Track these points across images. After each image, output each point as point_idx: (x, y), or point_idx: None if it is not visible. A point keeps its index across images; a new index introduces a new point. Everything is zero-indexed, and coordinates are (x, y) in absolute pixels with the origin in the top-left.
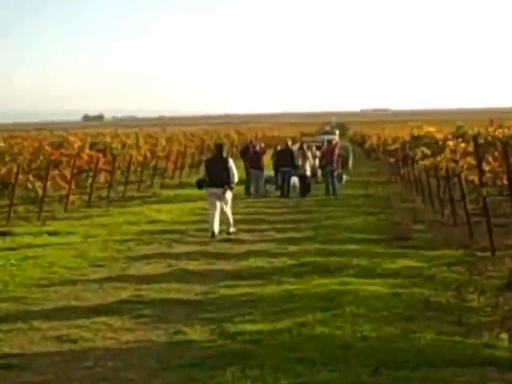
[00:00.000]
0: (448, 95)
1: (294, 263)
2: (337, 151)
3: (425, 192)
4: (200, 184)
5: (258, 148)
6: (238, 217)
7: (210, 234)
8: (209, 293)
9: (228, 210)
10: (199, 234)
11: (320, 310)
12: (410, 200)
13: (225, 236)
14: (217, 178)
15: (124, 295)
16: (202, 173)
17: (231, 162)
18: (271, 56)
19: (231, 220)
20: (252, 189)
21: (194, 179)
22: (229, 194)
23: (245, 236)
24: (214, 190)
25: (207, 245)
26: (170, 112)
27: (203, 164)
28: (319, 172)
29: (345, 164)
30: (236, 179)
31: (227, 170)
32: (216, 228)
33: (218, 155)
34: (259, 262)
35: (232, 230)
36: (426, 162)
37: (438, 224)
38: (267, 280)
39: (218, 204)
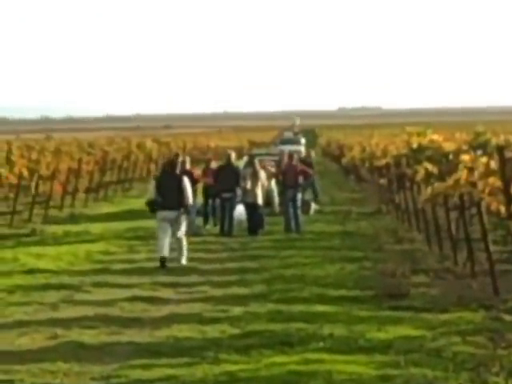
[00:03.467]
0: (458, 90)
1: (236, 333)
2: (302, 168)
3: (429, 228)
4: (152, 206)
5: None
6: (155, 264)
7: (158, 264)
8: (111, 377)
9: (182, 237)
10: (99, 290)
11: None
12: (407, 239)
13: (158, 279)
14: (170, 198)
15: None
16: (151, 192)
17: (186, 180)
18: (208, 41)
19: (185, 248)
20: None
21: (92, 209)
22: (184, 218)
23: (165, 292)
24: (166, 213)
25: (110, 306)
26: (58, 111)
27: (153, 182)
28: (276, 199)
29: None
30: (191, 200)
31: (181, 190)
32: (166, 252)
33: (170, 171)
34: (187, 332)
35: (184, 262)
36: (435, 186)
37: (449, 274)
38: (198, 358)
39: (170, 230)
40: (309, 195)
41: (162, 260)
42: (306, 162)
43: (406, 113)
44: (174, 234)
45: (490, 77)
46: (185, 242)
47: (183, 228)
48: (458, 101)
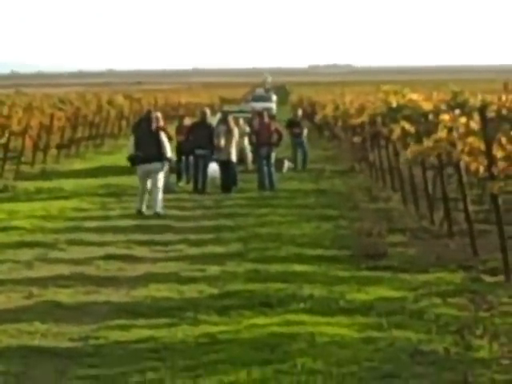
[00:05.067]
0: (434, 47)
1: (215, 293)
2: (275, 126)
3: (405, 186)
4: (133, 161)
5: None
6: (129, 222)
7: (132, 221)
8: (90, 338)
9: (159, 188)
10: (74, 248)
11: (257, 364)
12: (383, 198)
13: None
14: (149, 152)
15: None
16: (131, 146)
17: (163, 135)
18: None
19: (160, 199)
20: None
21: (64, 166)
22: (162, 170)
23: (141, 251)
24: (146, 166)
25: (86, 264)
26: (26, 67)
27: (132, 137)
28: (250, 156)
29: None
30: (169, 153)
31: (159, 143)
32: (144, 206)
33: (147, 127)
34: (164, 292)
35: (160, 210)
36: (415, 147)
37: (426, 234)
38: (177, 318)
39: (149, 182)
40: (300, 156)
41: (138, 212)
42: (294, 121)
43: (376, 71)
44: (151, 185)
45: (461, 35)
46: (161, 192)
47: (160, 178)
48: (428, 59)
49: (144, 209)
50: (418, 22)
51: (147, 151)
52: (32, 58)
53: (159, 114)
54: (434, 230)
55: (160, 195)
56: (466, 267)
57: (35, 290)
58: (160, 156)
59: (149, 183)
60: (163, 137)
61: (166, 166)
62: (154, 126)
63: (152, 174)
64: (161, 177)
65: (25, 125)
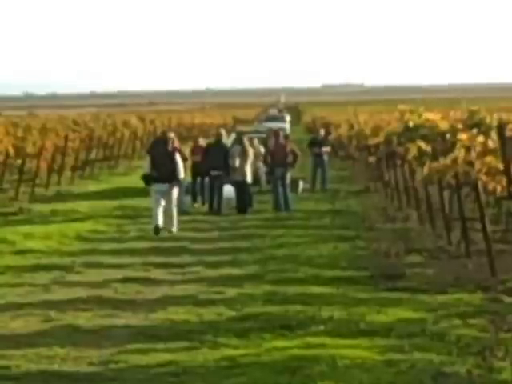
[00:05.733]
0: (445, 66)
1: (234, 315)
2: (290, 147)
3: (421, 206)
4: (148, 180)
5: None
6: (145, 244)
7: (152, 230)
8: (110, 362)
9: (174, 208)
10: (91, 270)
11: None
12: (399, 218)
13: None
14: (164, 172)
15: None
16: (147, 167)
17: (177, 156)
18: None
19: (175, 218)
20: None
21: (78, 187)
22: (175, 190)
23: (158, 273)
24: (160, 185)
25: (103, 287)
26: (39, 87)
27: (148, 157)
28: (263, 177)
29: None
30: (182, 174)
31: (174, 164)
32: (160, 221)
33: (163, 147)
34: (183, 314)
35: (175, 230)
36: (432, 166)
37: (444, 254)
38: (197, 342)
39: (163, 202)
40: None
41: (156, 228)
42: (316, 141)
43: (388, 90)
44: (166, 204)
45: (471, 55)
46: (175, 212)
47: (175, 198)
48: (440, 78)
49: (160, 222)
50: (429, 40)
51: (163, 171)
52: (44, 78)
53: (173, 135)
54: (451, 250)
55: (175, 214)
56: (485, 287)
57: (53, 314)
58: (174, 176)
59: (163, 202)
60: (178, 157)
61: (179, 186)
62: (170, 146)
63: (166, 194)
64: (175, 196)
65: (39, 147)
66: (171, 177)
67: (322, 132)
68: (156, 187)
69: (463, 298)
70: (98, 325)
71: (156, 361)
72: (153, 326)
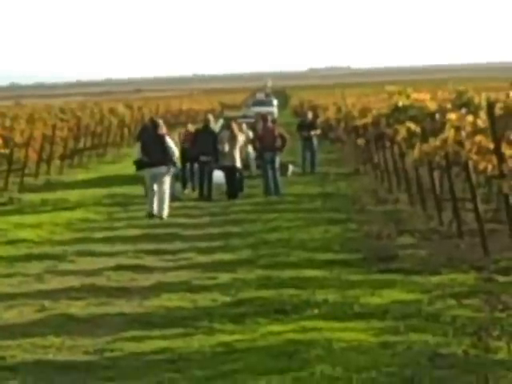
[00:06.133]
0: (431, 47)
1: (228, 301)
2: (278, 131)
3: (412, 187)
4: (139, 165)
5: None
6: (136, 232)
7: (145, 214)
8: (105, 350)
9: (166, 192)
10: (83, 259)
11: (276, 372)
12: (390, 200)
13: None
14: (156, 156)
15: None
16: (137, 152)
17: (168, 138)
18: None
19: (167, 204)
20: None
21: (68, 176)
22: (169, 173)
23: (151, 260)
24: (153, 170)
25: (96, 276)
26: (26, 77)
27: (138, 143)
28: (253, 162)
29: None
30: (177, 154)
31: (165, 147)
32: (155, 208)
33: (153, 132)
34: (177, 301)
35: (165, 215)
36: (422, 147)
37: (435, 235)
38: (191, 328)
39: (156, 186)
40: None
41: (150, 213)
42: (304, 124)
43: (375, 72)
44: (158, 189)
45: (457, 34)
46: (167, 198)
47: (167, 182)
48: (426, 59)
49: (155, 211)
50: (412, 22)
51: (153, 156)
52: (30, 67)
53: (161, 122)
54: (443, 231)
55: (167, 200)
56: (478, 267)
57: (47, 303)
58: (165, 160)
59: (155, 187)
60: (169, 141)
61: (172, 170)
62: (159, 131)
63: (158, 178)
64: (167, 181)
65: (28, 136)
66: (162, 161)
67: (310, 115)
68: (148, 173)
69: (457, 278)
70: (93, 313)
71: (151, 348)
72: (147, 313)
